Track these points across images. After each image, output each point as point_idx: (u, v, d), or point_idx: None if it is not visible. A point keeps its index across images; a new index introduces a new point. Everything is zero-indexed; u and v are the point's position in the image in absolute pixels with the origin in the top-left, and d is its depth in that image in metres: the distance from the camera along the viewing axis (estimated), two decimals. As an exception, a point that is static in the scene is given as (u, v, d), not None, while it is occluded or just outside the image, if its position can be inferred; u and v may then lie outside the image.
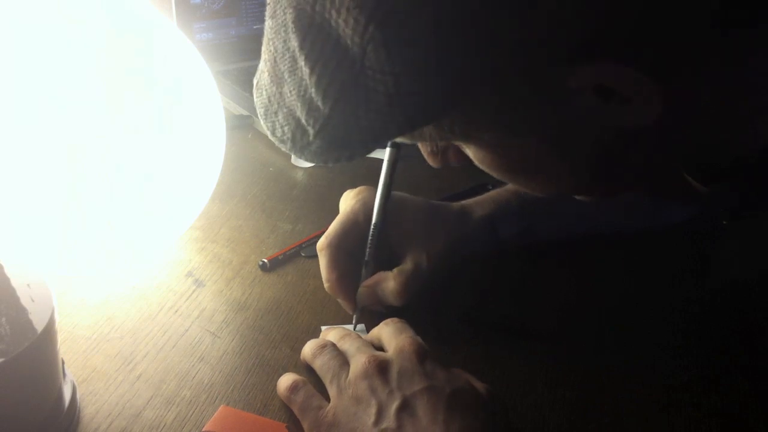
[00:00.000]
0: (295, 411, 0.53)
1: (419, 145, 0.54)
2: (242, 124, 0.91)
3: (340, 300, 0.63)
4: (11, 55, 0.54)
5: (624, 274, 0.70)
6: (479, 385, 0.52)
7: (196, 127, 0.62)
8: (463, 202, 0.69)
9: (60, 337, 0.49)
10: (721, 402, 0.57)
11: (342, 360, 0.54)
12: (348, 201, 0.65)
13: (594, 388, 0.58)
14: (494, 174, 0.51)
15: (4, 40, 0.55)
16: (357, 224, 0.63)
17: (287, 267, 0.68)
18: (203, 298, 0.64)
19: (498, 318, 0.64)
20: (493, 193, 0.70)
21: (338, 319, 0.62)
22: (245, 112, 0.93)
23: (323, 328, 0.61)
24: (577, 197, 0.55)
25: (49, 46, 0.55)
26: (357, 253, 0.63)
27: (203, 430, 0.51)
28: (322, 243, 0.63)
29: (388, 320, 0.57)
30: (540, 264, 0.71)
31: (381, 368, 0.51)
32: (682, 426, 0.55)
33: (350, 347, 0.55)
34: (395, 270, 0.62)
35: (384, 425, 0.48)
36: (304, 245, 0.70)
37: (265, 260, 0.68)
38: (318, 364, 0.55)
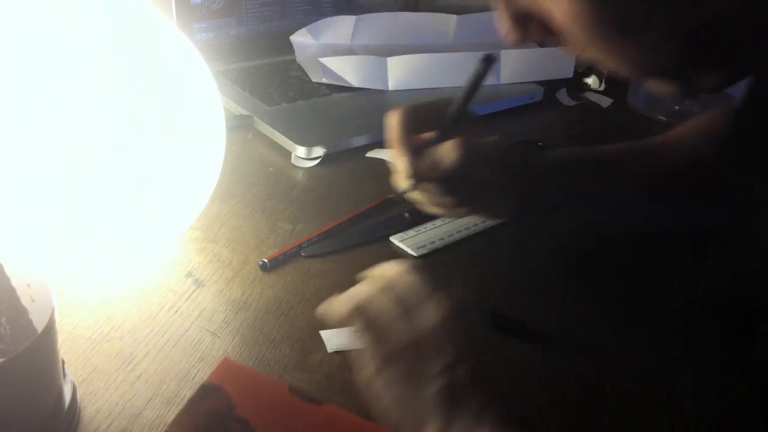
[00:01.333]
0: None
1: (499, 14, 0.55)
2: (242, 124, 0.91)
3: (397, 157, 0.62)
4: (11, 55, 0.54)
5: (624, 274, 0.70)
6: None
7: (196, 127, 0.62)
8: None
9: (60, 337, 0.49)
10: (721, 402, 0.57)
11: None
12: None
13: (594, 388, 0.58)
14: (584, 35, 0.49)
15: (5, 40, 0.55)
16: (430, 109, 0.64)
17: (287, 267, 0.68)
18: (203, 298, 0.64)
19: (499, 318, 0.64)
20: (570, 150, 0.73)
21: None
22: (245, 112, 0.93)
23: (322, 333, 0.60)
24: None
25: (49, 46, 0.55)
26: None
27: (204, 382, 0.51)
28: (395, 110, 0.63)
29: None
30: (540, 263, 0.71)
31: None
32: (682, 426, 0.55)
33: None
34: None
35: None
36: (304, 245, 0.70)
37: (265, 260, 0.68)
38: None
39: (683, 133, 0.77)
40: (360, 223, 0.75)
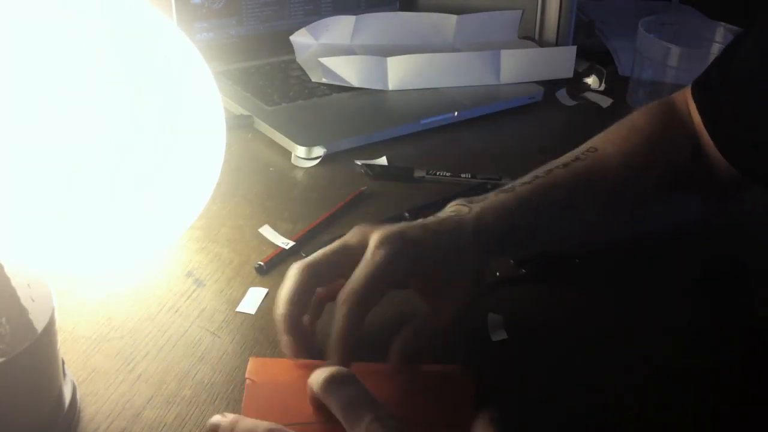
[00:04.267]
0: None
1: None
2: (242, 124, 0.91)
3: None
4: (11, 55, 0.54)
5: (624, 274, 0.70)
6: None
7: (196, 127, 0.62)
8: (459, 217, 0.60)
9: (60, 337, 0.49)
10: (721, 402, 0.57)
11: None
12: (372, 250, 0.55)
13: (594, 387, 0.58)
14: None
15: (5, 40, 0.55)
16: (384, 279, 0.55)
17: (287, 267, 0.68)
18: (203, 298, 0.64)
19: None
20: (496, 203, 0.62)
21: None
22: (245, 112, 0.93)
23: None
24: None
25: (49, 47, 0.55)
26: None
27: (247, 377, 0.54)
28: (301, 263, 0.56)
29: None
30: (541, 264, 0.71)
31: None
32: (682, 426, 0.55)
33: None
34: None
35: None
36: (295, 243, 0.70)
37: (261, 263, 0.67)
38: None
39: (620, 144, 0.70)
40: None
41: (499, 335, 0.61)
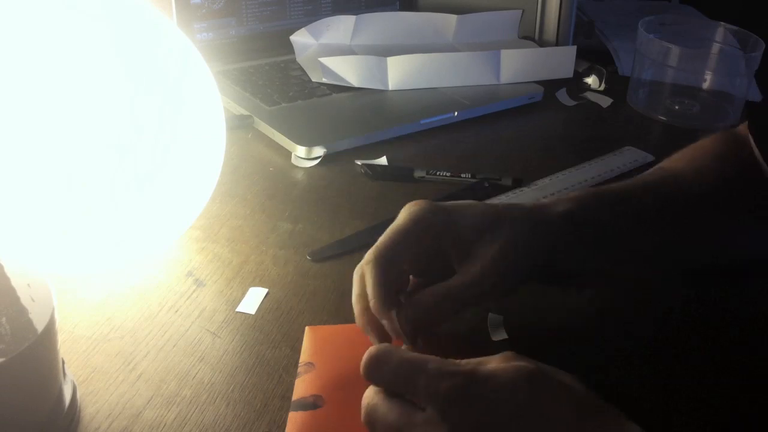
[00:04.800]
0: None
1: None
2: (242, 124, 0.91)
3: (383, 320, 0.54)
4: (11, 55, 0.54)
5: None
6: None
7: (196, 127, 0.62)
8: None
9: (60, 337, 0.49)
10: (721, 402, 0.57)
11: None
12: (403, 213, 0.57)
13: (594, 387, 0.57)
14: None
15: (4, 40, 0.55)
16: (408, 237, 0.56)
17: (288, 267, 0.68)
18: (203, 298, 0.64)
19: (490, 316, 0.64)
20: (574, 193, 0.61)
21: (339, 319, 0.62)
22: (245, 112, 0.93)
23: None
24: None
25: (48, 47, 0.55)
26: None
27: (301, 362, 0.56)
28: (369, 255, 0.55)
29: None
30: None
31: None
32: (682, 426, 0.55)
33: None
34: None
35: None
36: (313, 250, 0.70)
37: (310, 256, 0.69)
38: None
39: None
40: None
41: (499, 335, 0.61)
